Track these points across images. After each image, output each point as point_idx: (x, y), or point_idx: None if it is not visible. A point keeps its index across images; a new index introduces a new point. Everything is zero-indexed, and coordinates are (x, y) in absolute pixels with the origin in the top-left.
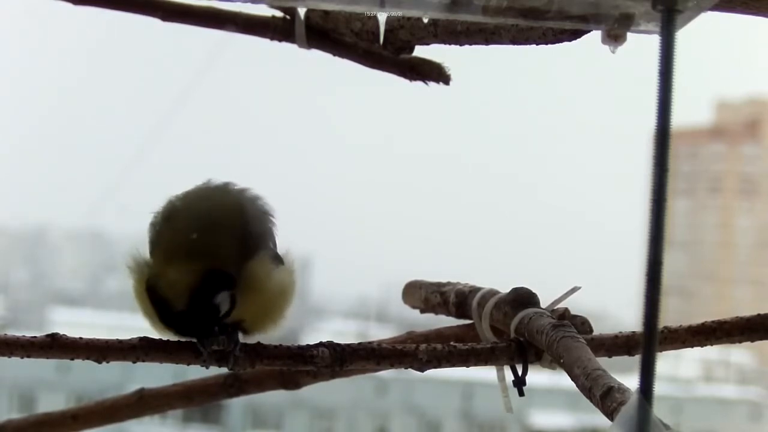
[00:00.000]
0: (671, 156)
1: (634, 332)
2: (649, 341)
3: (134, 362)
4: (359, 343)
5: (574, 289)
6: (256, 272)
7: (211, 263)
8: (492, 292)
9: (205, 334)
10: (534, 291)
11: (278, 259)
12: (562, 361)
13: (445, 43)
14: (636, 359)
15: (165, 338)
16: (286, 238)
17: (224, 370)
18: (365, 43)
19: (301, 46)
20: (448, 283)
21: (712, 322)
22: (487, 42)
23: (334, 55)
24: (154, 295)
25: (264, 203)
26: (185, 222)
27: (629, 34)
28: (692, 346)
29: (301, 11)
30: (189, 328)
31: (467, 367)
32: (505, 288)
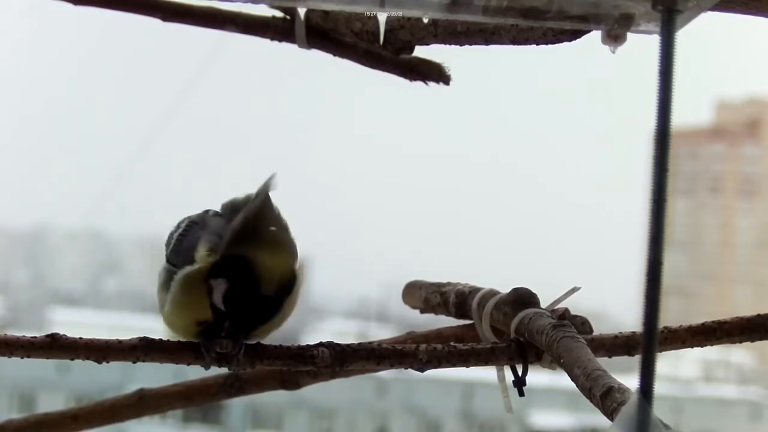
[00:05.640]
0: (671, 156)
1: (634, 332)
2: (649, 341)
3: (134, 362)
4: (359, 343)
5: (574, 289)
6: (300, 281)
7: (293, 262)
8: (492, 293)
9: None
10: (534, 291)
11: None
12: (562, 361)
13: (445, 43)
14: (636, 359)
15: (170, 332)
16: None
17: (224, 370)
18: (365, 44)
19: (301, 46)
20: (448, 284)
21: (712, 322)
22: (487, 42)
23: (334, 55)
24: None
25: None
26: (263, 212)
27: (629, 34)
28: (692, 346)
29: (301, 11)
30: (241, 318)
31: (467, 367)
32: (505, 288)
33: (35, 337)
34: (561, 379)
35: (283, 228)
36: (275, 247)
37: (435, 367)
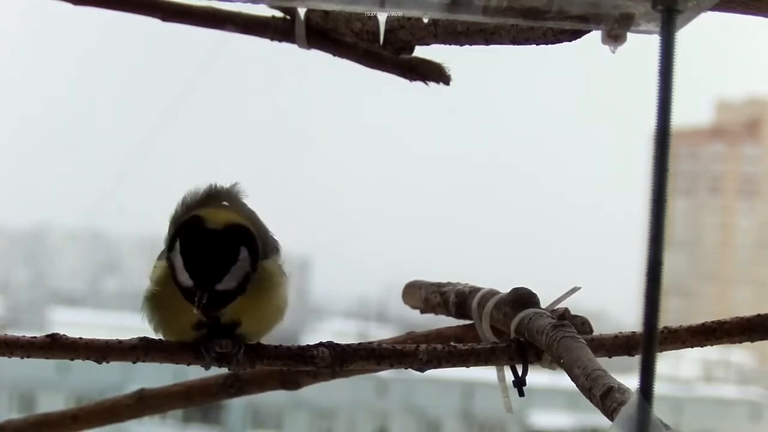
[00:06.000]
0: (671, 156)
1: (634, 332)
2: (649, 341)
3: (134, 362)
4: (359, 343)
5: (574, 289)
6: (271, 269)
7: (238, 218)
8: (492, 293)
9: (211, 303)
10: (534, 291)
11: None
12: (562, 361)
13: (445, 43)
14: (636, 359)
15: (167, 335)
16: (286, 239)
17: (224, 370)
18: (365, 44)
19: (301, 46)
20: (448, 284)
21: (712, 322)
22: (487, 42)
23: (335, 55)
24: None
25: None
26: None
27: (629, 34)
28: (692, 346)
29: (301, 11)
30: (204, 267)
31: (467, 367)
32: (505, 288)
33: (35, 337)
34: (561, 379)
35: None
36: (216, 205)
37: (435, 367)
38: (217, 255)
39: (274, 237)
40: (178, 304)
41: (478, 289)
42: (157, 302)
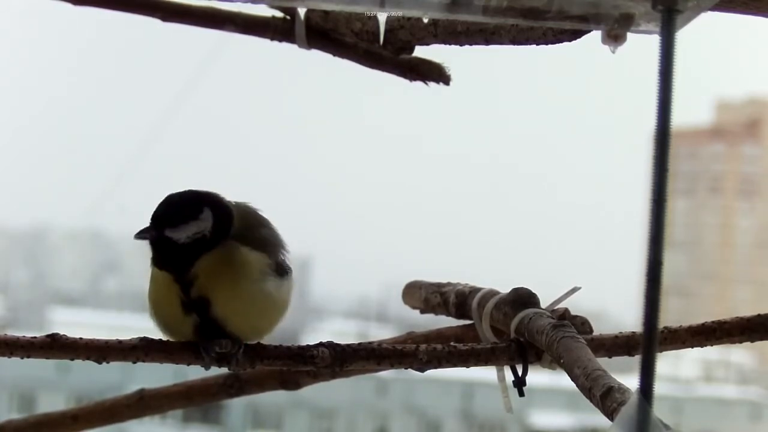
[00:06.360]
0: (671, 156)
1: (634, 332)
2: (649, 341)
3: (134, 362)
4: (359, 343)
5: (574, 289)
6: (247, 257)
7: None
8: (492, 293)
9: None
10: (534, 291)
11: (281, 270)
12: (562, 361)
13: (445, 43)
14: (636, 359)
15: (165, 337)
16: (286, 239)
17: (224, 370)
18: (365, 44)
19: (301, 46)
20: (448, 284)
21: (712, 322)
22: (487, 42)
23: (335, 55)
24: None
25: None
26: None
27: (629, 34)
28: (692, 346)
29: (301, 11)
30: (160, 210)
31: (467, 367)
32: (505, 288)
33: (35, 337)
34: (561, 379)
35: None
36: None
37: (435, 367)
38: (177, 204)
39: (281, 245)
40: (164, 284)
41: (478, 290)
42: (150, 291)
